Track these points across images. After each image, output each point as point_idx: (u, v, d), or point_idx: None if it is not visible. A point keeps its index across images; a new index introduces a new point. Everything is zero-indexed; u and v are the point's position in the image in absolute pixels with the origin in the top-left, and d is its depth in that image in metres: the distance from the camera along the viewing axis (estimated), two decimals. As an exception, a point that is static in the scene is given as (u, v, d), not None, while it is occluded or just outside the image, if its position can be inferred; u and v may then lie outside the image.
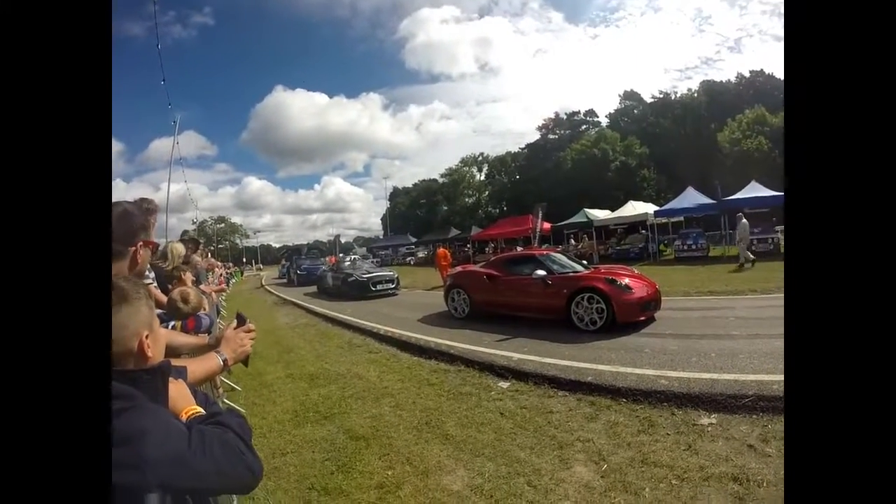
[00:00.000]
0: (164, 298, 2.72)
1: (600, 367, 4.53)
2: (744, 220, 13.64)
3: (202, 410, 1.00)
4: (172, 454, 0.73)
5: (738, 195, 17.62)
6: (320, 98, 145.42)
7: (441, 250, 17.51)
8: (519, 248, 18.71)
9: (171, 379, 1.00)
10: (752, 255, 12.94)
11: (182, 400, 1.00)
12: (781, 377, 3.66)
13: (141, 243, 1.37)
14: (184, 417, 0.93)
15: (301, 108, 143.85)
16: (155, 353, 0.95)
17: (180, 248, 3.74)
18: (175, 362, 1.41)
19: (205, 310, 3.14)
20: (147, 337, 0.93)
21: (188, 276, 3.42)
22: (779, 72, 38.88)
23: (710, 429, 3.13)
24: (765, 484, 2.41)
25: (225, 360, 1.43)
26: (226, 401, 4.19)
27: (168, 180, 15.87)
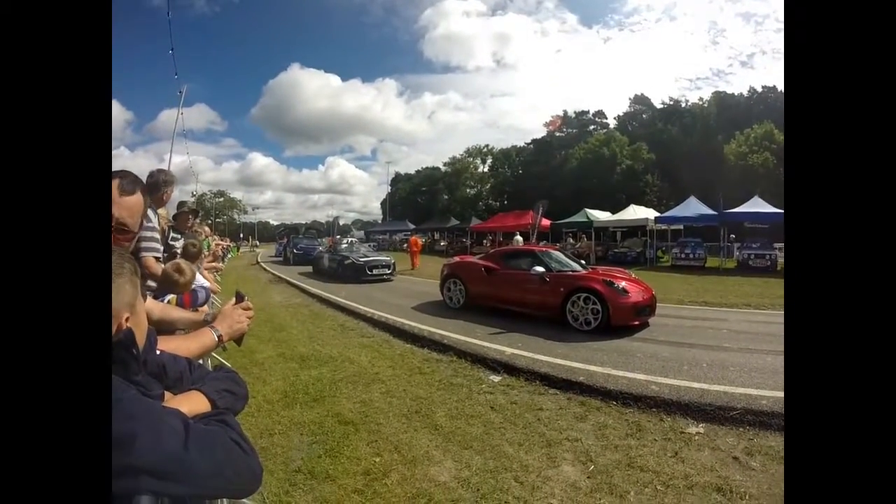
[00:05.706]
0: (159, 270, 2.69)
1: (592, 367, 4.54)
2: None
3: (208, 407, 0.95)
4: (167, 457, 0.67)
5: (740, 209, 17.64)
6: (335, 80, 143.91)
7: (413, 238, 21.05)
8: (518, 239, 19.25)
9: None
10: None
11: (188, 402, 0.94)
12: (770, 392, 3.70)
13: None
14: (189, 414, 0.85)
15: (315, 89, 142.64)
16: (136, 338, 0.85)
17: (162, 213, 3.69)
18: (169, 338, 1.40)
19: (207, 283, 3.13)
20: (127, 320, 0.83)
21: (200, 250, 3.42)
22: (791, 89, 38.58)
23: (697, 438, 3.15)
24: (747, 497, 2.43)
25: (220, 336, 1.42)
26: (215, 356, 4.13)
27: (170, 151, 15.64)
